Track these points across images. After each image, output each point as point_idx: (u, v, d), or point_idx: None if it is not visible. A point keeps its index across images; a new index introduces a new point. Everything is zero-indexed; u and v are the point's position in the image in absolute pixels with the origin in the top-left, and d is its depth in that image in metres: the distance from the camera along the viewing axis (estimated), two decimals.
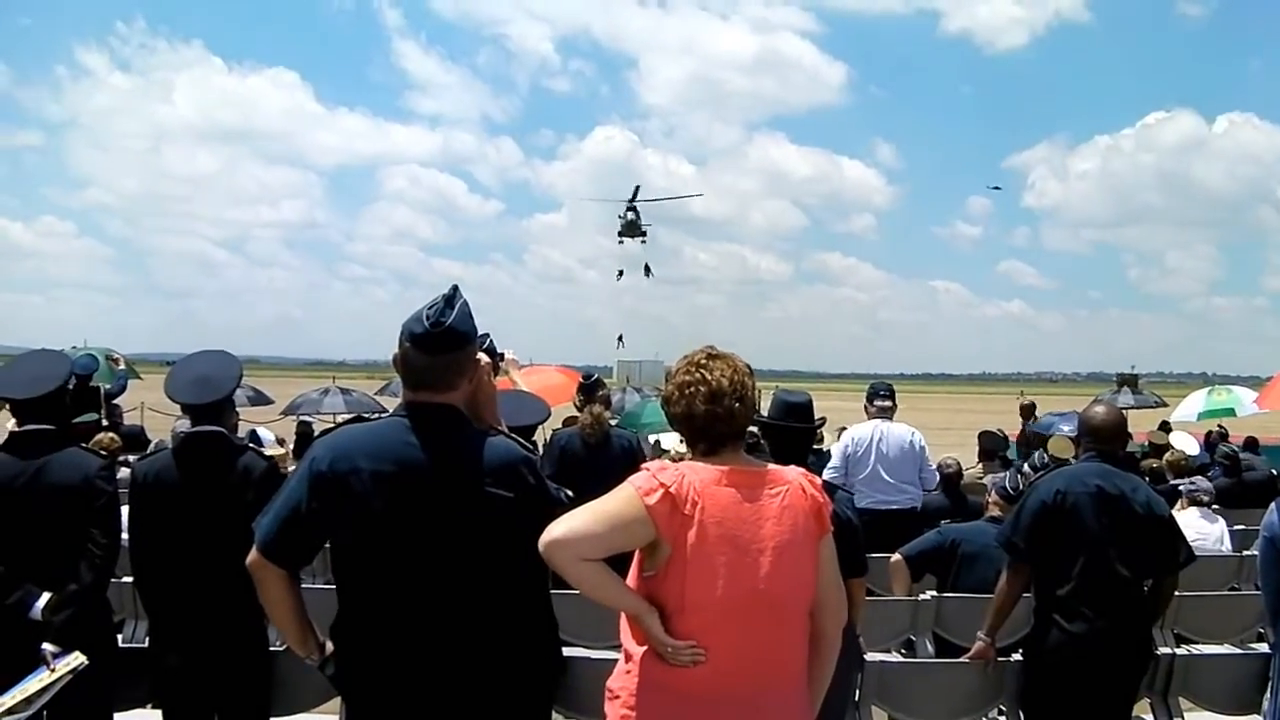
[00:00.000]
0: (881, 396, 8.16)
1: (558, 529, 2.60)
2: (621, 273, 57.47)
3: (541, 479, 3.06)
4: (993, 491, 6.19)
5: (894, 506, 7.74)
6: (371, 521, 2.87)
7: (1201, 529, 7.13)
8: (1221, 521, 7.64)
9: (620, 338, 53.47)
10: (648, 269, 57.36)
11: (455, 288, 3.05)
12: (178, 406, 4.26)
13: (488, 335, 4.51)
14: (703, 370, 2.82)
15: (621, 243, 56.00)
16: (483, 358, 3.22)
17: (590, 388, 7.53)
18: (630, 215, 55.24)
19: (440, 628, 2.89)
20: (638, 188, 56.96)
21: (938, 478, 8.03)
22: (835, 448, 8.67)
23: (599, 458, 6.89)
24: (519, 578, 3.01)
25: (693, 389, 2.80)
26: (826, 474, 7.64)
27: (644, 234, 55.66)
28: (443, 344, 2.95)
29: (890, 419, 8.06)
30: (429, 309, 2.97)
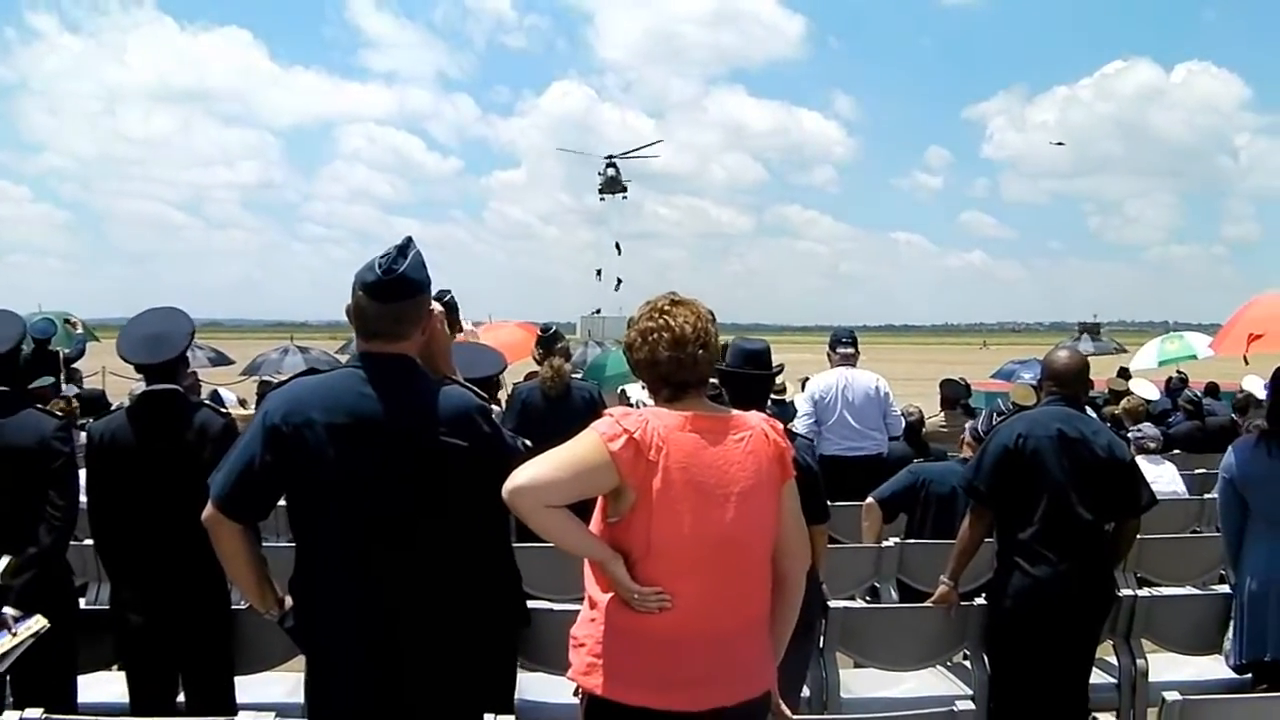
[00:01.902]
0: (844, 344, 8.16)
1: (521, 476, 2.58)
2: (619, 246, 57.73)
3: (497, 427, 3.04)
4: (966, 433, 6.23)
5: (861, 453, 7.77)
6: (326, 473, 2.85)
7: (1151, 473, 7.21)
8: (1170, 465, 7.73)
9: (619, 282, 53.37)
10: (618, 247, 57.62)
11: (409, 239, 3.03)
12: (136, 369, 4.20)
13: (449, 291, 4.48)
14: (666, 316, 2.81)
15: (603, 199, 56.45)
16: (436, 307, 3.20)
17: (549, 340, 7.50)
18: (610, 172, 55.64)
19: (399, 580, 2.87)
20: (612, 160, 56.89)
21: (903, 424, 8.08)
22: (802, 397, 8.69)
23: (560, 410, 6.87)
24: (477, 528, 3.02)
25: (656, 335, 2.79)
26: (799, 423, 7.70)
27: (624, 190, 56.05)
28: (395, 291, 2.93)
29: (854, 365, 8.09)
30: (381, 257, 2.96)
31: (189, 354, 4.38)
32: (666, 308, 2.84)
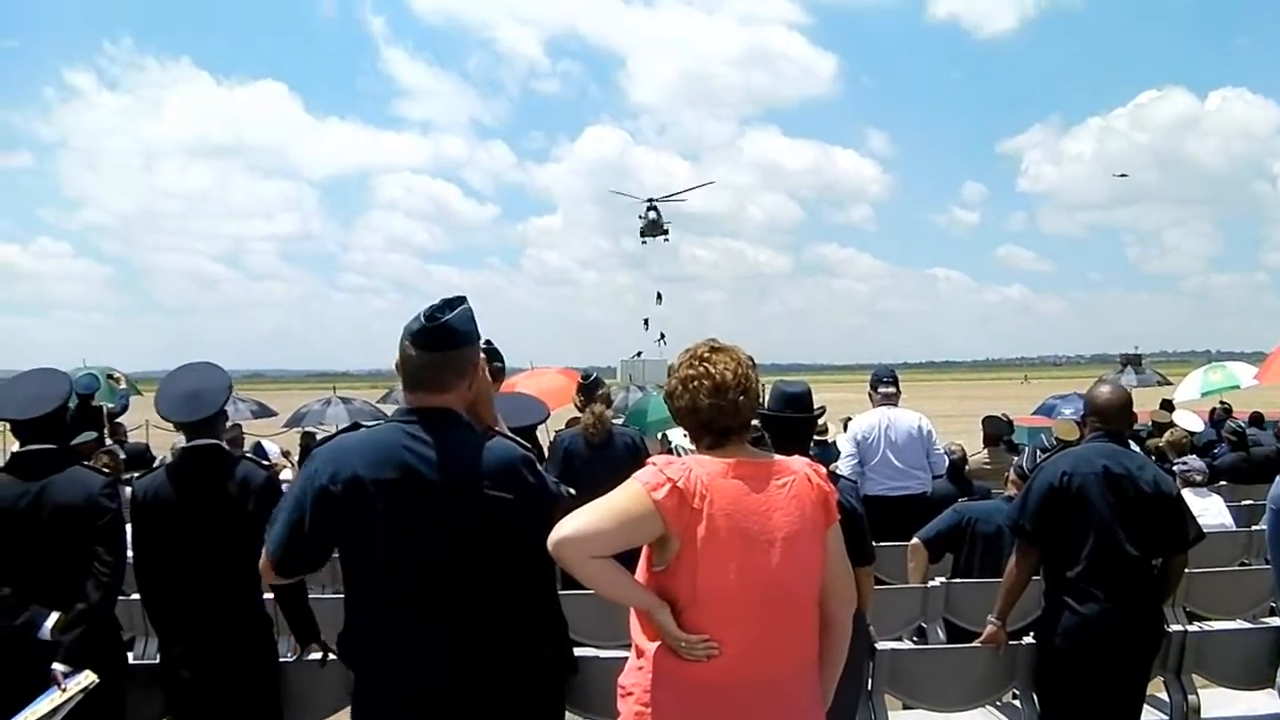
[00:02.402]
0: (885, 383, 8.10)
1: (566, 527, 2.59)
2: (660, 295, 58.08)
3: (542, 477, 3.05)
4: (1010, 471, 6.20)
5: (905, 492, 7.73)
6: (374, 529, 2.88)
7: (1197, 506, 7.12)
8: (1216, 498, 7.65)
9: (662, 336, 53.47)
10: (659, 296, 58.03)
11: (462, 296, 3.08)
12: (175, 427, 4.24)
13: (488, 340, 4.50)
14: (706, 364, 2.82)
15: (644, 242, 56.66)
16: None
17: (590, 387, 7.48)
18: (652, 215, 55.94)
19: (448, 632, 2.88)
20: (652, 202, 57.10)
21: (946, 462, 8.02)
22: (845, 437, 8.67)
23: (603, 457, 6.88)
24: (524, 579, 3.02)
25: (696, 383, 2.81)
26: (842, 464, 7.71)
27: (666, 232, 56.38)
28: (439, 340, 2.96)
29: (895, 404, 8.05)
30: (428, 308, 3.00)
31: (231, 406, 4.43)
32: (706, 355, 2.85)
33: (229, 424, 4.90)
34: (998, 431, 10.21)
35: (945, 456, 8.04)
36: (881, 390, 8.07)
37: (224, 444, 4.16)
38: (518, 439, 3.16)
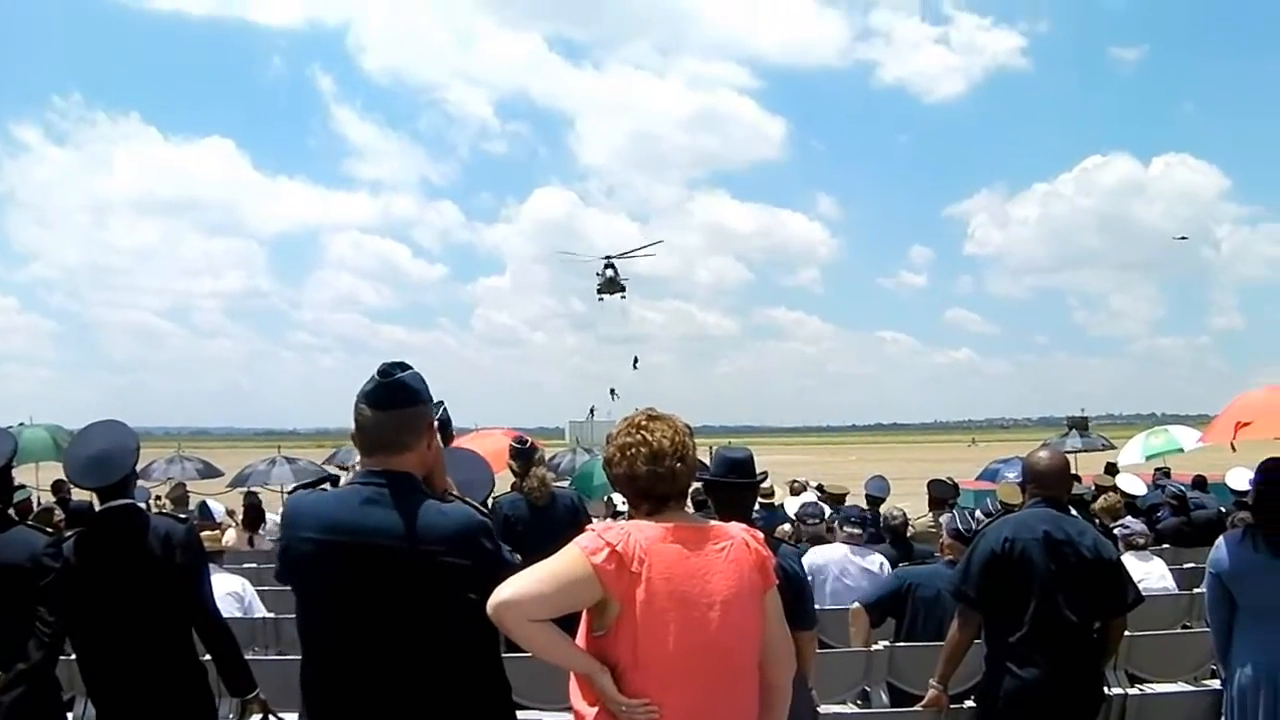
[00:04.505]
0: (852, 523, 7.68)
1: (505, 591, 2.59)
2: (636, 360, 58.31)
3: (498, 544, 3.03)
4: (944, 534, 6.21)
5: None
6: (320, 593, 2.89)
7: (1140, 569, 7.19)
8: (1158, 561, 7.73)
9: (613, 391, 53.28)
10: (635, 361, 58.24)
11: (407, 362, 3.08)
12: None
13: (442, 403, 4.49)
14: (643, 432, 2.85)
15: (601, 299, 56.46)
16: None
17: (525, 453, 7.30)
18: (609, 272, 55.76)
19: (395, 695, 2.87)
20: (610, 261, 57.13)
21: None
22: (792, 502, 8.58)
23: (545, 520, 6.80)
24: (473, 644, 2.99)
25: (634, 450, 2.83)
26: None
27: (623, 289, 56.23)
28: (395, 397, 2.97)
29: (860, 545, 7.62)
30: (380, 367, 3.01)
31: (177, 465, 4.39)
32: (644, 423, 2.88)
33: (174, 483, 4.86)
34: (943, 495, 10.23)
35: None
36: (847, 530, 7.65)
37: (138, 504, 4.13)
38: (474, 504, 3.14)
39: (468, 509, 3.03)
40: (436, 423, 3.23)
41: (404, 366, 3.03)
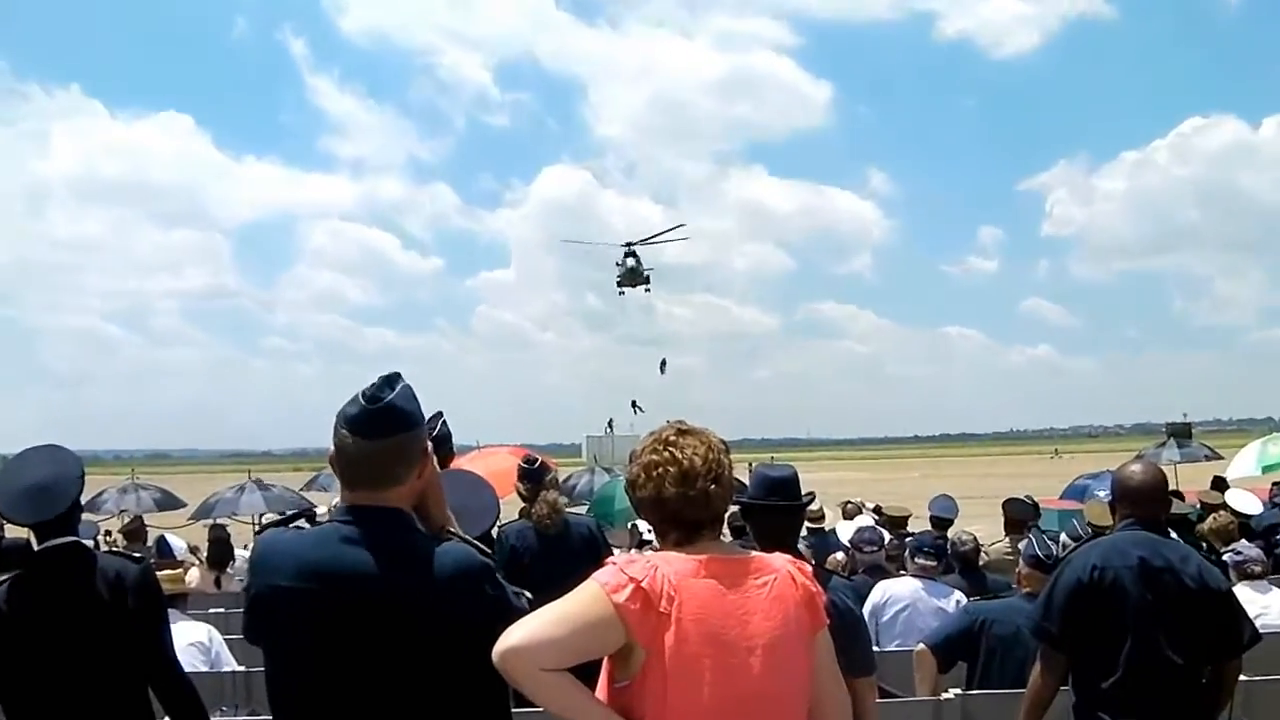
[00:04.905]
0: (926, 553, 7.69)
1: (513, 636, 2.55)
2: (664, 364, 58.26)
3: (502, 588, 2.94)
4: (1022, 562, 6.18)
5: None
6: (296, 650, 2.82)
7: (1257, 604, 7.08)
8: (1278, 592, 7.63)
9: (635, 403, 53.08)
10: (664, 364, 58.18)
11: (396, 373, 2.99)
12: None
13: (440, 414, 4.45)
14: (671, 448, 2.83)
15: (622, 293, 56.26)
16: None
17: (535, 474, 7.20)
18: (630, 262, 55.31)
19: None
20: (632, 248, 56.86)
21: None
22: (848, 526, 8.53)
23: (558, 552, 6.76)
24: (476, 705, 2.90)
25: (661, 470, 2.81)
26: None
27: (647, 281, 55.91)
28: (383, 425, 2.87)
29: (933, 579, 7.67)
30: (365, 388, 2.91)
31: (132, 495, 4.39)
32: (672, 438, 2.86)
33: (129, 516, 4.86)
34: (1021, 516, 10.20)
35: None
36: (919, 561, 7.67)
37: (84, 541, 4.05)
38: (474, 542, 3.03)
39: (467, 549, 2.93)
40: (433, 439, 3.18)
41: (393, 383, 2.93)
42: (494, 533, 6.11)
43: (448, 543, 2.94)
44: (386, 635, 2.78)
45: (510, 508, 7.99)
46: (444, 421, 4.39)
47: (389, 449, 2.89)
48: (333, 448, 2.94)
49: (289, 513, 3.34)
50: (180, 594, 6.75)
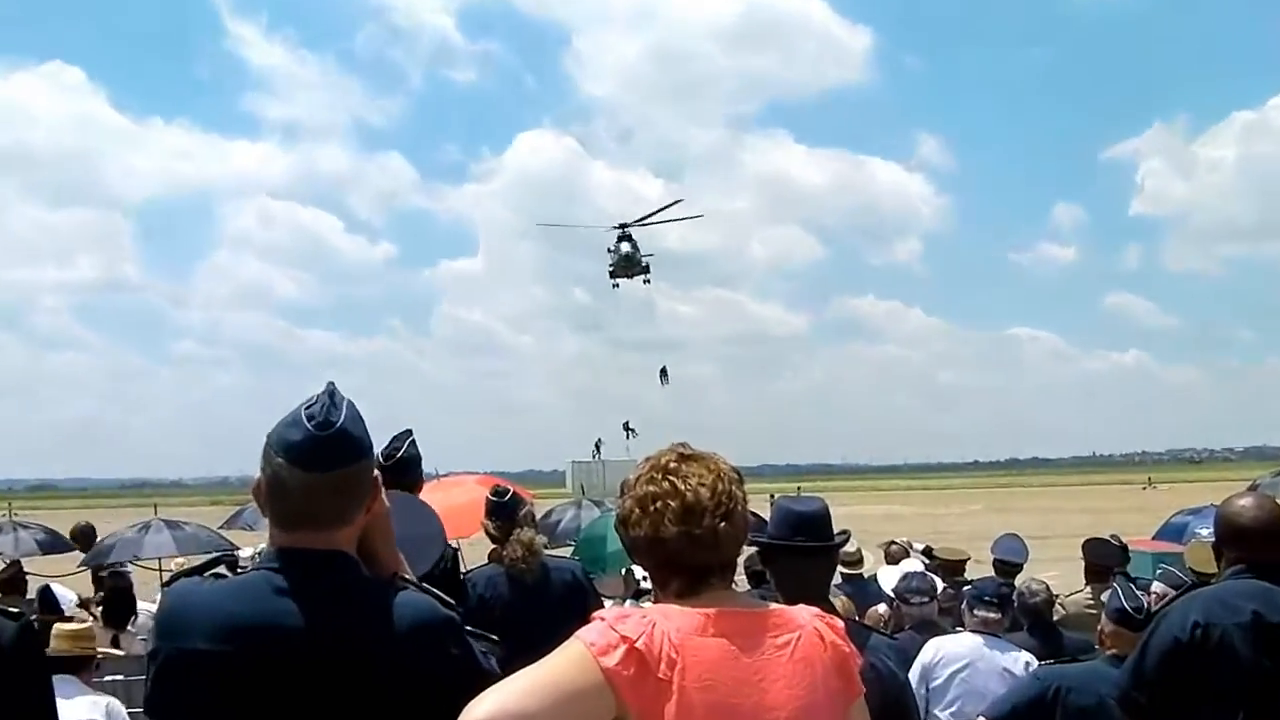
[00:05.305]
0: (986, 604, 7.71)
1: (482, 706, 2.48)
2: (665, 372, 58.47)
3: (468, 646, 2.94)
4: (1106, 617, 6.17)
5: None
6: None
7: None
8: None
9: (628, 425, 52.97)
10: (664, 373, 58.32)
11: (331, 384, 2.95)
12: None
13: (409, 433, 4.42)
14: (673, 477, 2.80)
15: (615, 285, 56.35)
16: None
17: (505, 508, 7.20)
18: (625, 247, 55.16)
19: None
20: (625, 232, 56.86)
21: None
22: (888, 574, 8.53)
23: (535, 604, 6.75)
24: None
25: (660, 503, 2.78)
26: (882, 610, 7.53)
27: (646, 270, 55.83)
28: (333, 455, 2.83)
29: (998, 636, 7.68)
30: (308, 407, 2.86)
31: (8, 535, 4.37)
32: (674, 466, 2.83)
33: (6, 561, 4.87)
34: (1105, 561, 10.19)
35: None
36: (979, 614, 7.68)
37: None
38: (435, 592, 3.01)
39: (428, 601, 2.92)
40: (398, 462, 3.17)
41: (338, 401, 2.90)
42: (452, 569, 6.12)
43: (404, 592, 2.91)
44: (330, 708, 2.76)
45: (477, 550, 8.01)
46: (413, 441, 4.37)
47: (338, 483, 2.85)
48: (262, 478, 2.88)
49: (206, 557, 3.31)
50: (84, 656, 6.74)
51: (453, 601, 3.00)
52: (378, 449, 3.09)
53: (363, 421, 2.93)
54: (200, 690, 2.78)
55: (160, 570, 16.13)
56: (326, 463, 2.81)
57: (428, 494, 6.54)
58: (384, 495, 3.04)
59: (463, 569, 7.58)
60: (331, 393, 2.91)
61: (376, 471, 3.03)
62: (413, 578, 3.08)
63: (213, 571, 3.00)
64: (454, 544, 6.39)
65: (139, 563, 16.25)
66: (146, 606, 11.94)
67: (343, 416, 2.85)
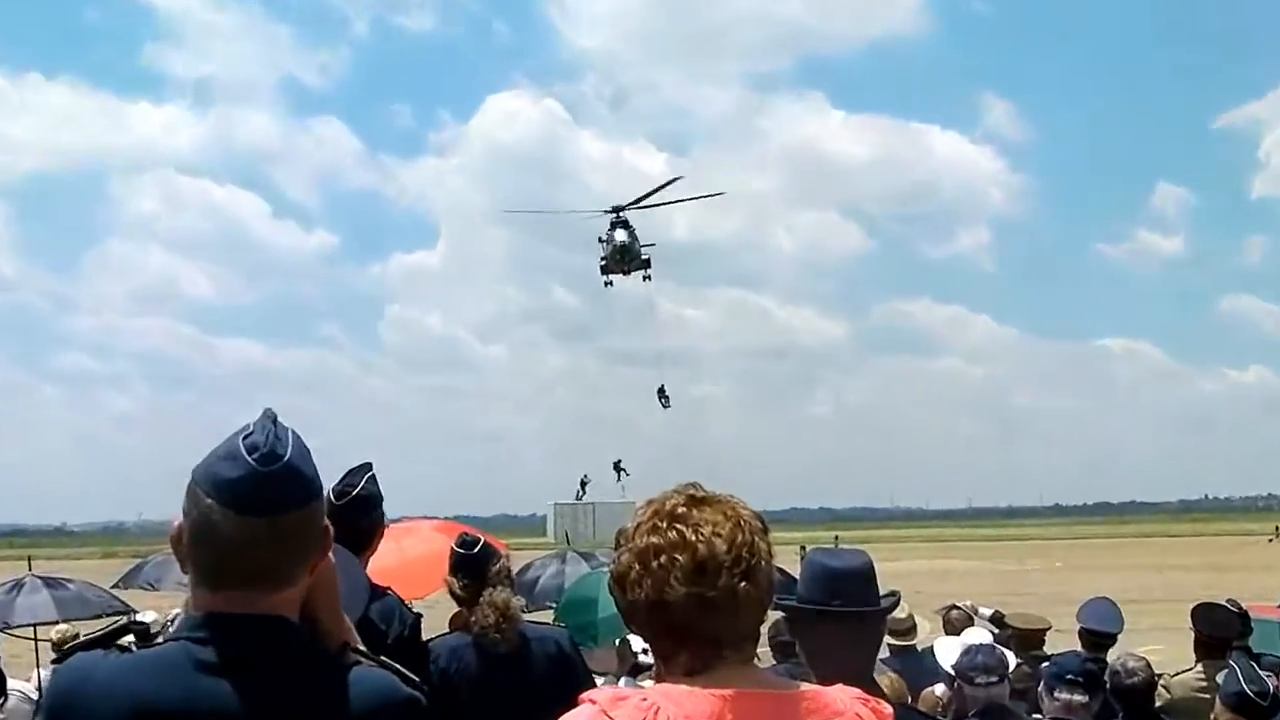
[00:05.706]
0: (1070, 684, 7.54)
1: None
2: (663, 392, 58.77)
3: None
4: (1220, 703, 6.19)
5: None
6: None
7: None
8: None
9: (619, 465, 52.98)
10: (662, 393, 58.53)
11: (269, 410, 2.91)
12: None
13: (368, 466, 4.43)
14: (680, 525, 2.79)
15: (608, 283, 56.41)
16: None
17: (475, 561, 7.19)
18: (620, 236, 54.98)
19: None
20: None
21: None
22: (948, 644, 8.56)
23: (512, 680, 6.78)
24: None
25: (666, 558, 2.76)
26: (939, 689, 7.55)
27: (646, 264, 55.75)
28: (279, 494, 2.80)
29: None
30: (247, 437, 2.83)
31: None
32: (682, 511, 2.81)
33: None
34: (1222, 632, 10.20)
35: None
36: (1062, 697, 7.53)
37: None
38: (395, 666, 3.00)
39: (388, 678, 2.92)
40: (356, 499, 3.14)
41: (283, 437, 2.86)
42: (414, 637, 6.14)
43: (358, 668, 2.91)
44: None
45: (437, 614, 8.01)
46: (372, 476, 4.37)
47: (283, 530, 2.82)
48: (185, 524, 2.85)
49: (105, 624, 3.29)
50: None
51: (416, 679, 2.98)
52: (327, 488, 3.02)
53: (310, 456, 2.89)
54: None
55: (36, 640, 16.11)
56: (271, 505, 2.78)
57: (383, 542, 6.56)
58: (332, 553, 3.00)
59: (415, 631, 7.59)
60: (274, 419, 2.88)
61: (327, 520, 2.99)
62: (365, 649, 3.05)
63: (118, 643, 2.96)
64: (411, 606, 6.39)
65: (9, 631, 16.26)
66: (20, 686, 11.94)
67: (290, 449, 2.82)
